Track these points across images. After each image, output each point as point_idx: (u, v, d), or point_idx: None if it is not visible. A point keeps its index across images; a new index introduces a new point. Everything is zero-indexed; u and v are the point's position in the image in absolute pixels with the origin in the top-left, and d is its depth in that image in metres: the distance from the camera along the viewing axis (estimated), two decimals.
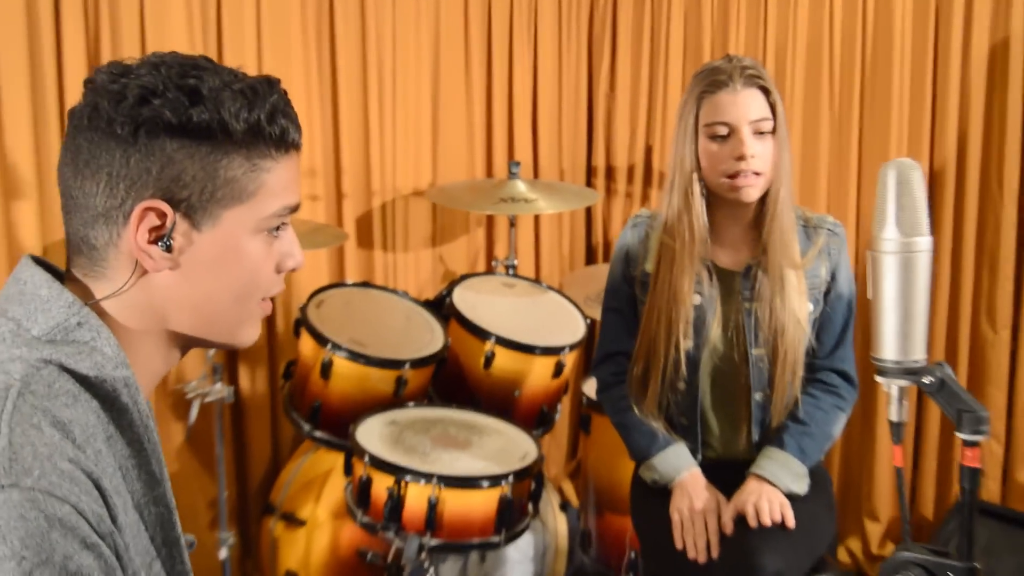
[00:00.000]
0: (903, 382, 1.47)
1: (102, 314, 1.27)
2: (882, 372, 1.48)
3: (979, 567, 1.39)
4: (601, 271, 4.14)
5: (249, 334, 1.37)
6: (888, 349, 1.47)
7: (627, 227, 2.67)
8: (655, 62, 4.37)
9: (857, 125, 3.93)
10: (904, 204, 1.43)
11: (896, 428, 1.50)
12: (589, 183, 4.55)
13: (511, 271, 3.90)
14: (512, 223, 3.94)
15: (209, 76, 1.26)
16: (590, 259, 4.60)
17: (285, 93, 1.32)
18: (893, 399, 1.49)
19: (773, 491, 2.41)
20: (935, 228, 3.80)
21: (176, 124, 1.23)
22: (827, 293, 2.55)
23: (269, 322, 3.72)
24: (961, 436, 1.39)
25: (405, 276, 4.09)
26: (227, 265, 1.29)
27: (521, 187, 3.79)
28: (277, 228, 1.33)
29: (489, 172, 4.30)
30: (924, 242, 1.44)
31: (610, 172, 4.53)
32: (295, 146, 1.33)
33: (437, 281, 4.20)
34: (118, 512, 1.18)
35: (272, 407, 3.78)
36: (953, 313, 3.85)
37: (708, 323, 2.51)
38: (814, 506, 2.47)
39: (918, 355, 1.46)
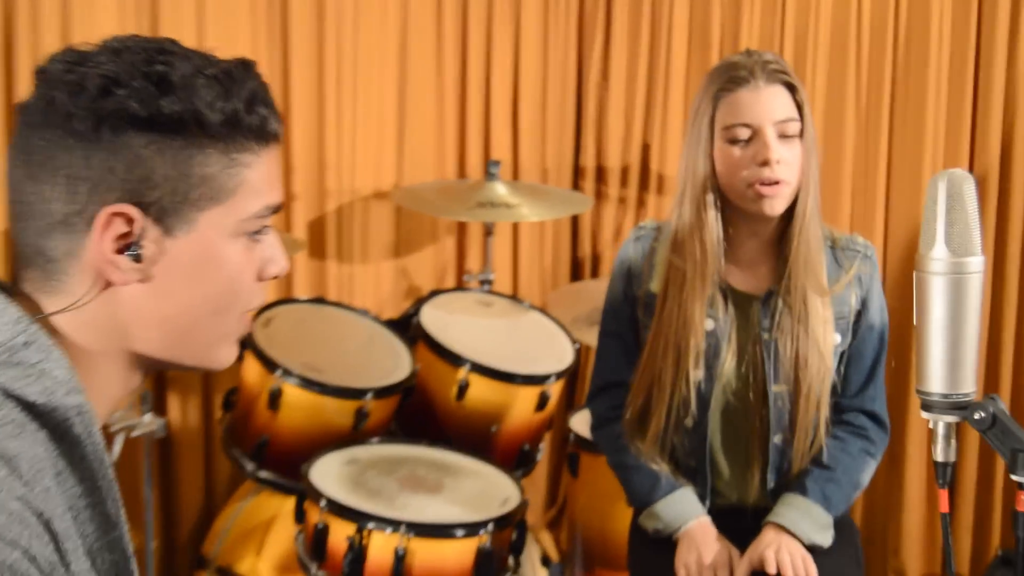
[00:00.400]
0: (950, 418, 1.55)
1: (53, 332, 1.30)
2: (927, 407, 1.55)
3: None
4: (589, 289, 4.22)
5: (227, 354, 1.41)
6: (934, 381, 1.54)
7: (629, 239, 2.74)
8: (655, 47, 4.46)
9: (887, 128, 4.04)
10: (955, 220, 1.51)
11: (942, 469, 1.58)
12: (576, 186, 4.63)
13: (487, 287, 3.98)
14: (489, 231, 4.02)
15: (179, 61, 1.30)
16: (576, 275, 4.68)
17: (262, 78, 1.38)
18: (939, 437, 1.56)
19: (794, 543, 2.49)
20: None
21: (144, 117, 1.27)
22: (856, 324, 2.63)
23: None
24: (1017, 479, 1.47)
25: (363, 291, 4.16)
26: (203, 275, 1.34)
27: (501, 190, 3.87)
28: (258, 231, 1.39)
29: (462, 172, 4.38)
30: (976, 262, 1.52)
31: (601, 174, 4.61)
32: (276, 137, 1.39)
33: (399, 298, 4.27)
34: (71, 559, 1.22)
35: (206, 443, 3.83)
36: (994, 341, 3.95)
37: (721, 354, 2.59)
38: (839, 561, 2.56)
39: (968, 388, 1.54)
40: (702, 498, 2.64)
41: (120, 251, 1.29)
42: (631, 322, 2.71)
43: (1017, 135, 3.88)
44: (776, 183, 2.45)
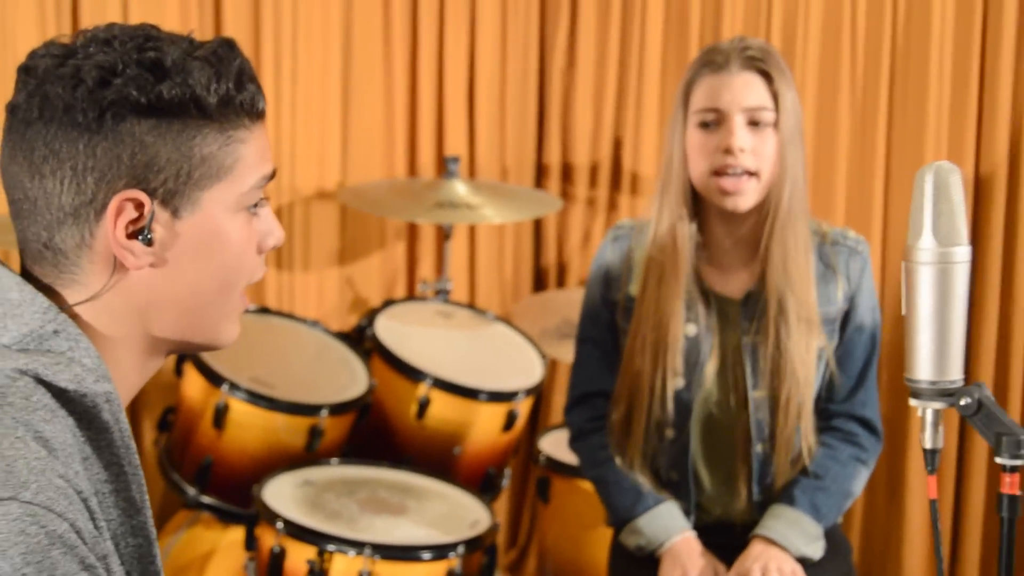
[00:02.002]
0: (938, 404, 1.91)
1: (76, 321, 1.59)
2: (916, 394, 1.91)
3: None
4: (557, 299, 4.59)
5: (231, 331, 1.73)
6: (922, 369, 1.90)
7: (606, 240, 3.09)
8: (627, 30, 4.79)
9: (884, 121, 4.40)
10: (942, 211, 1.87)
11: (931, 456, 1.93)
12: (539, 186, 4.96)
13: (444, 297, 4.32)
14: (447, 235, 4.35)
15: (167, 46, 1.59)
16: (539, 285, 5.01)
17: (244, 55, 1.69)
18: (927, 424, 1.92)
19: (783, 556, 2.84)
20: (982, 245, 4.29)
21: (144, 103, 1.55)
22: (844, 324, 3.00)
23: None
24: (1000, 461, 1.84)
25: (304, 302, 4.51)
26: (211, 252, 1.64)
27: (460, 189, 4.22)
28: (256, 204, 1.70)
29: (412, 170, 4.73)
30: (963, 252, 1.88)
31: (567, 172, 4.94)
32: (263, 112, 1.71)
33: (344, 310, 4.61)
34: (106, 537, 1.53)
35: None
36: (1003, 348, 4.31)
37: (703, 359, 2.95)
38: (831, 575, 2.91)
39: (954, 375, 1.90)
40: (686, 513, 2.97)
41: (132, 236, 1.55)
42: (610, 328, 3.06)
43: None
44: (741, 175, 2.80)
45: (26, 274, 1.60)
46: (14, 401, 1.46)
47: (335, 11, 4.50)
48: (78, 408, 1.50)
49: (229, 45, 1.63)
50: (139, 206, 1.55)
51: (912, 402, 1.93)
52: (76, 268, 1.57)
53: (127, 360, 1.63)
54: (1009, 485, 1.85)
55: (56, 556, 1.37)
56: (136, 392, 1.69)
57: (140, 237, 1.56)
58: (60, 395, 1.49)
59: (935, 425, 1.94)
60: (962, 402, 1.89)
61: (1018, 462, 1.84)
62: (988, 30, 4.29)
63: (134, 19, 3.93)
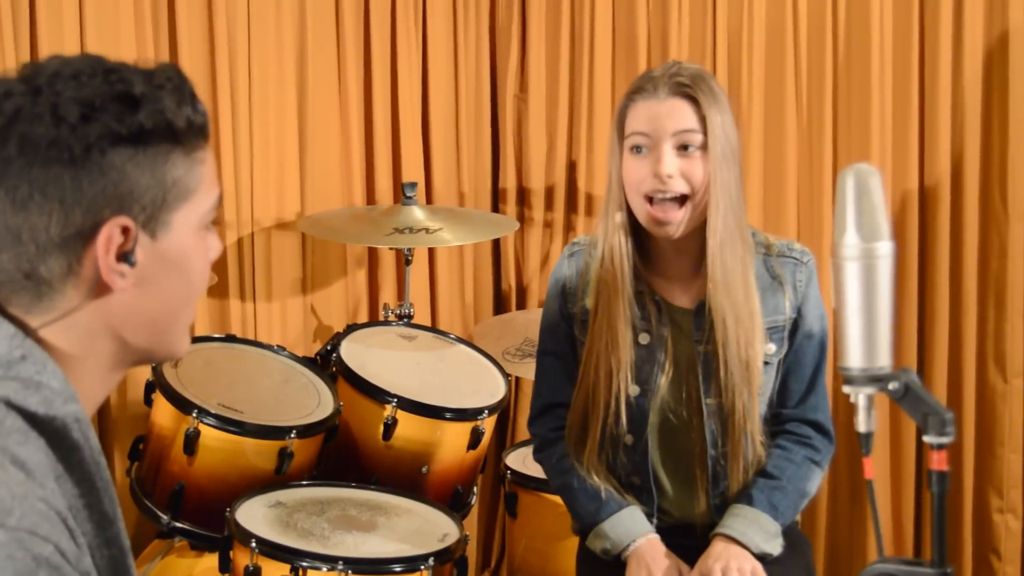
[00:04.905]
0: (869, 389, 2.08)
1: (43, 344, 1.71)
2: (849, 381, 2.09)
3: (952, 572, 2.02)
4: (518, 319, 4.76)
5: (186, 343, 1.88)
6: (853, 357, 2.08)
7: (563, 257, 3.28)
8: (577, 55, 5.00)
9: (830, 134, 4.61)
10: (863, 209, 2.05)
11: (865, 439, 2.11)
12: (496, 210, 5.15)
13: (406, 321, 4.48)
14: (408, 260, 4.53)
15: (131, 76, 1.72)
16: (500, 308, 5.20)
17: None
18: (861, 409, 2.10)
19: (743, 553, 3.02)
20: (930, 248, 4.49)
21: (126, 135, 1.64)
22: (793, 333, 3.17)
23: None
24: (928, 440, 2.02)
25: (268, 331, 4.67)
26: (183, 268, 1.78)
27: (419, 214, 4.40)
28: (212, 222, 1.85)
29: (371, 198, 4.90)
30: (885, 247, 2.07)
31: (523, 196, 5.13)
32: (210, 132, 1.85)
33: (308, 337, 4.78)
34: (86, 552, 1.66)
35: None
36: (954, 358, 4.51)
37: (657, 368, 3.12)
38: (791, 571, 3.10)
39: (883, 361, 2.08)
40: (649, 516, 3.15)
41: (118, 260, 1.67)
42: (569, 340, 3.24)
43: (967, 137, 4.44)
44: (672, 200, 2.96)
45: None
46: None
47: (289, 43, 4.68)
48: (48, 429, 1.61)
49: (175, 69, 1.75)
50: (124, 231, 1.67)
51: (845, 389, 2.09)
52: (58, 295, 1.68)
53: (94, 375, 1.75)
54: (937, 462, 2.02)
55: None
56: (101, 403, 1.82)
57: (125, 260, 1.68)
58: (31, 418, 1.60)
59: (868, 410, 2.10)
60: (891, 386, 2.06)
61: (944, 440, 2.00)
62: (926, 40, 4.50)
63: (90, 37, 4.15)
